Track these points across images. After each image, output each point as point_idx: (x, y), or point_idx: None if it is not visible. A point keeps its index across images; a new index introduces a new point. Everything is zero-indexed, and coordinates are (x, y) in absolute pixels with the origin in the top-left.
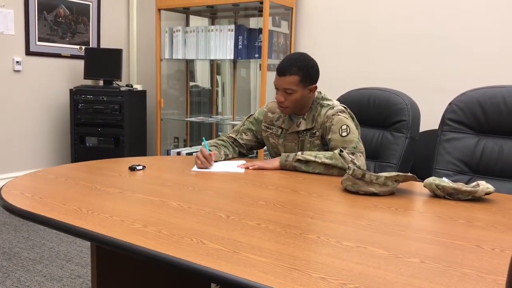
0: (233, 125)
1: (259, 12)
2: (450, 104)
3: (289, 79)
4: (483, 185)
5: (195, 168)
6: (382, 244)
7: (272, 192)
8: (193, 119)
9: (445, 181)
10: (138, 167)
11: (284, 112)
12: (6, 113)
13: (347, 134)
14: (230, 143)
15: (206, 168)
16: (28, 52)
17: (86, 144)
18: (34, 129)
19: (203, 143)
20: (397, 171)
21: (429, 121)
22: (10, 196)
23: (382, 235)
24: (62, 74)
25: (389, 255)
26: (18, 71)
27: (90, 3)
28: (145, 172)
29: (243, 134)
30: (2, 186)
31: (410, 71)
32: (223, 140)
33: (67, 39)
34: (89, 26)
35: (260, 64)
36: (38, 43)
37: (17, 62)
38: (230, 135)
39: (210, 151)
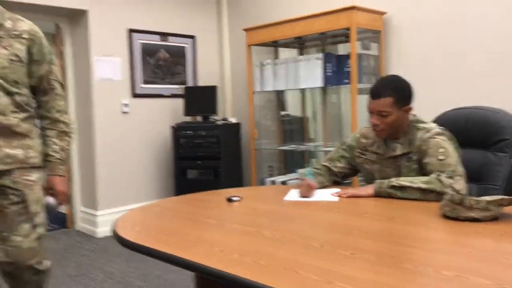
0: (326, 152)
1: (346, 38)
2: None
3: (383, 101)
4: None
5: (288, 197)
6: (484, 273)
7: (366, 221)
8: (286, 147)
9: None
10: (234, 198)
11: (380, 135)
12: (117, 152)
13: (445, 158)
14: (325, 171)
15: (307, 197)
16: (134, 95)
17: (187, 176)
18: (141, 165)
19: (303, 170)
20: (502, 194)
21: None
22: (122, 230)
23: (484, 263)
24: (164, 112)
25: (492, 285)
26: (126, 112)
27: (186, 45)
28: (241, 203)
29: (336, 162)
30: (116, 220)
31: (509, 86)
32: (317, 169)
33: (168, 80)
34: (186, 66)
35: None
36: (142, 85)
37: (125, 104)
38: (324, 163)
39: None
